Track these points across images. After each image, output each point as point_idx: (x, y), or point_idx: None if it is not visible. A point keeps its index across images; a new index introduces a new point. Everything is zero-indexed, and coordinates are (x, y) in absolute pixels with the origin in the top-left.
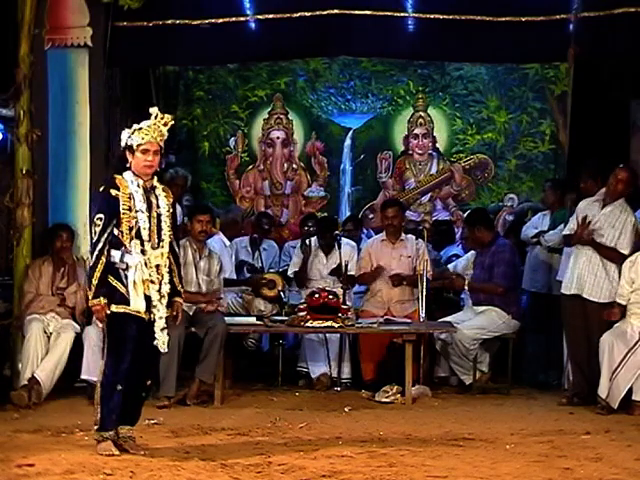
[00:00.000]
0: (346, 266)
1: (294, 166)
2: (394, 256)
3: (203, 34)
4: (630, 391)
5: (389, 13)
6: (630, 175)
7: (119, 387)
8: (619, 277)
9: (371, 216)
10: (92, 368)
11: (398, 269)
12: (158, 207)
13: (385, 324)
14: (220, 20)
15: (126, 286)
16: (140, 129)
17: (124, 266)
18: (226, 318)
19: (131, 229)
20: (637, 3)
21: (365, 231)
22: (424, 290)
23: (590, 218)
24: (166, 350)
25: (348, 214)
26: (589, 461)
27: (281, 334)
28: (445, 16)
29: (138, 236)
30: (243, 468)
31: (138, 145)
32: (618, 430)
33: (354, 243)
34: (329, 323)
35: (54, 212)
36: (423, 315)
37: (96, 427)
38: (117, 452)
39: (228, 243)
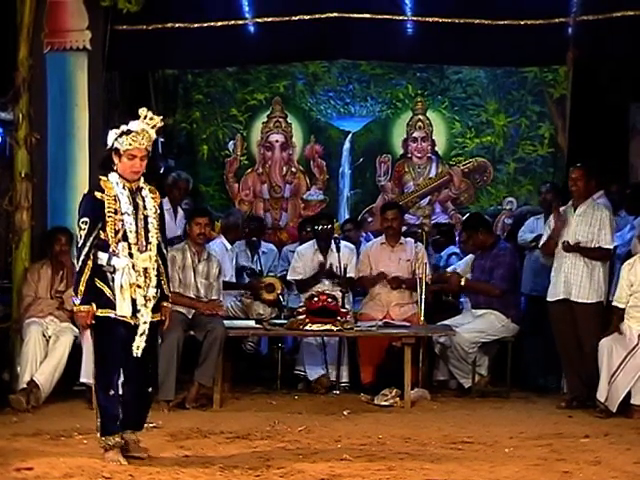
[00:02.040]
0: (345, 269)
1: (293, 169)
2: (393, 259)
3: (202, 37)
4: (629, 394)
5: (388, 16)
6: (583, 171)
7: (112, 392)
8: (604, 276)
9: (370, 219)
10: (91, 371)
11: (397, 272)
12: (145, 209)
13: (384, 327)
14: (219, 23)
15: (113, 290)
16: (129, 133)
17: (111, 269)
18: (225, 321)
19: (117, 232)
20: (636, 6)
21: (364, 234)
22: (423, 293)
23: (569, 224)
24: (139, 355)
25: (347, 217)
26: (588, 464)
27: (280, 337)
28: (444, 19)
29: (125, 239)
30: (242, 472)
31: (125, 150)
32: (617, 433)
33: (353, 246)
34: (328, 326)
35: (53, 215)
36: (422, 318)
37: (99, 433)
38: (125, 462)
39: (229, 247)
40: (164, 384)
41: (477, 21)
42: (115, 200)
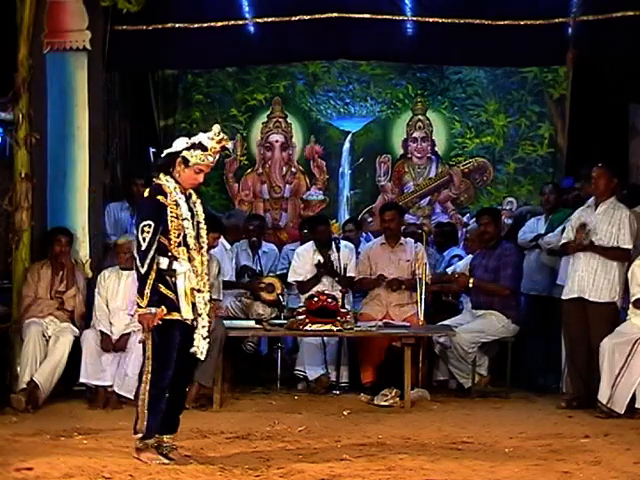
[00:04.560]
0: (345, 269)
1: (293, 169)
2: (393, 260)
3: (202, 37)
4: (632, 396)
5: (388, 17)
6: (606, 170)
7: (167, 394)
8: (619, 276)
9: (370, 220)
10: (90, 371)
11: (397, 273)
12: (197, 214)
13: (384, 327)
14: (219, 23)
15: (175, 293)
16: (204, 149)
17: (172, 273)
18: (225, 322)
19: (178, 237)
20: (636, 6)
21: (364, 235)
22: (423, 293)
23: (588, 226)
24: (203, 359)
25: (347, 217)
26: (588, 465)
27: (280, 338)
28: (444, 20)
29: (185, 244)
30: (242, 472)
31: (196, 164)
32: (617, 434)
33: (352, 245)
34: (328, 327)
35: (53, 216)
36: (422, 318)
37: (140, 435)
38: (166, 460)
39: (229, 247)
40: None
41: (477, 21)
42: (176, 205)
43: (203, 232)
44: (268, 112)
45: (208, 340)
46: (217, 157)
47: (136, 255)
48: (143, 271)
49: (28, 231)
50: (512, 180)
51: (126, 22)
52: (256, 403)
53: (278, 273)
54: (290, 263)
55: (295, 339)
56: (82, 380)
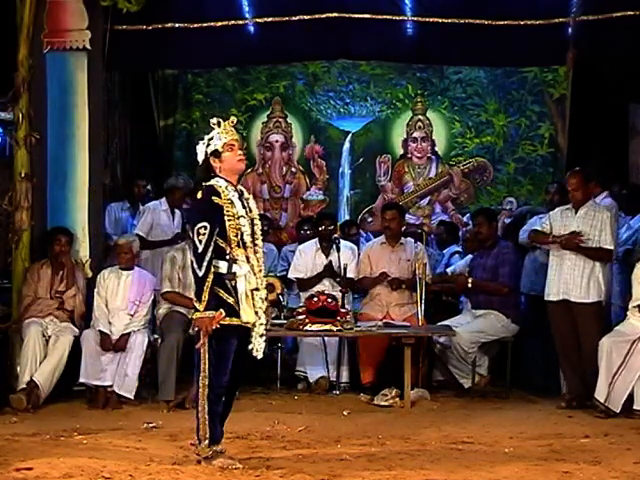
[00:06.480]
0: (345, 269)
1: (293, 169)
2: (393, 259)
3: (202, 37)
4: (629, 395)
5: (388, 17)
6: (580, 177)
7: (223, 399)
8: (603, 276)
9: (370, 219)
10: (90, 371)
11: (397, 272)
12: (251, 211)
13: (384, 327)
14: (219, 23)
15: (234, 297)
16: (217, 133)
17: (231, 276)
18: None
19: (236, 236)
20: (636, 6)
21: (364, 235)
22: (422, 293)
23: (570, 226)
24: (261, 356)
25: (347, 217)
26: (588, 465)
27: (280, 338)
28: (444, 20)
29: (242, 244)
30: (242, 472)
31: (224, 144)
32: (617, 434)
33: (354, 246)
34: (328, 327)
35: (53, 215)
36: (422, 318)
37: (206, 442)
38: (239, 465)
39: None
40: (164, 384)
41: (477, 21)
42: (231, 203)
43: (257, 229)
44: (268, 112)
45: (265, 338)
46: (236, 133)
47: (193, 258)
48: (201, 274)
49: (28, 231)
50: (512, 180)
51: (126, 22)
52: (256, 403)
53: (277, 274)
54: (289, 264)
55: (295, 339)
56: (82, 380)
